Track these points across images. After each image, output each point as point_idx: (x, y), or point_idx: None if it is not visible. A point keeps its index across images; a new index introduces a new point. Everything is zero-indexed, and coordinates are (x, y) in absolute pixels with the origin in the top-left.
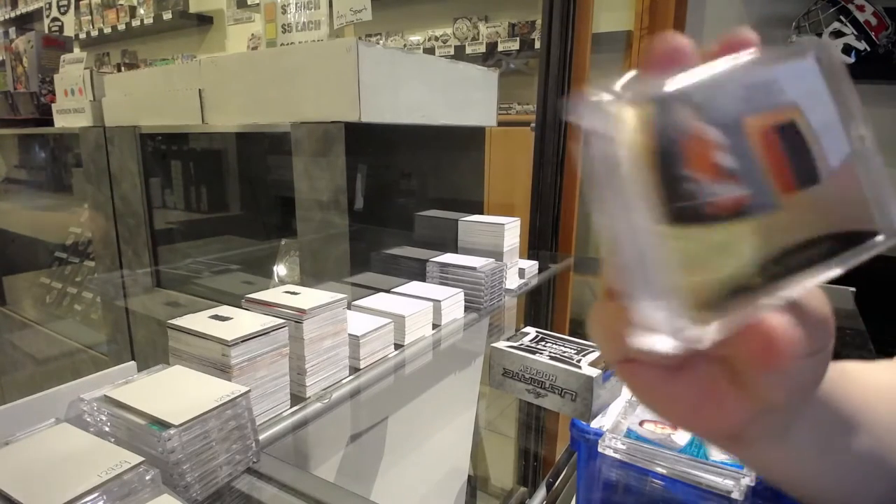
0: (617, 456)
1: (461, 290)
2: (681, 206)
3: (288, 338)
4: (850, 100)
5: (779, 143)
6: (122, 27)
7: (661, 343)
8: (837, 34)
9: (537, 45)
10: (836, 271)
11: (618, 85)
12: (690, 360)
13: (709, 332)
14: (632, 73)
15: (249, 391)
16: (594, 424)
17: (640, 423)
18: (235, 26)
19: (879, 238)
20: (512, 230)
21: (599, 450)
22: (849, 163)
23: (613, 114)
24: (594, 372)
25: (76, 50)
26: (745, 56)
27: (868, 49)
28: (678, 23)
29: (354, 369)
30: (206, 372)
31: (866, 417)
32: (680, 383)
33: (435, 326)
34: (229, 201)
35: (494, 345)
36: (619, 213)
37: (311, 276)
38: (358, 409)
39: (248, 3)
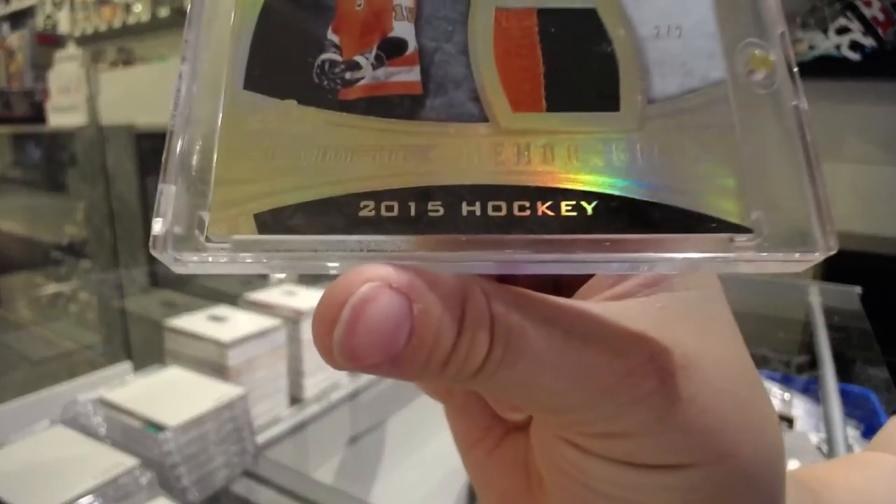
0: None
1: None
2: (295, 75)
3: (286, 339)
4: (753, 4)
5: (532, 35)
6: (117, 24)
7: (162, 245)
8: (843, 30)
9: None
10: (609, 265)
11: None
12: (512, 435)
13: (241, 253)
14: None
15: (247, 393)
16: None
17: None
18: None
19: (741, 239)
20: None
21: None
22: (715, 100)
23: None
24: None
25: (71, 47)
26: None
27: (875, 45)
28: None
29: None
30: (202, 373)
31: None
32: (493, 459)
33: None
34: None
35: None
36: (201, 55)
37: (309, 275)
38: (357, 410)
39: None
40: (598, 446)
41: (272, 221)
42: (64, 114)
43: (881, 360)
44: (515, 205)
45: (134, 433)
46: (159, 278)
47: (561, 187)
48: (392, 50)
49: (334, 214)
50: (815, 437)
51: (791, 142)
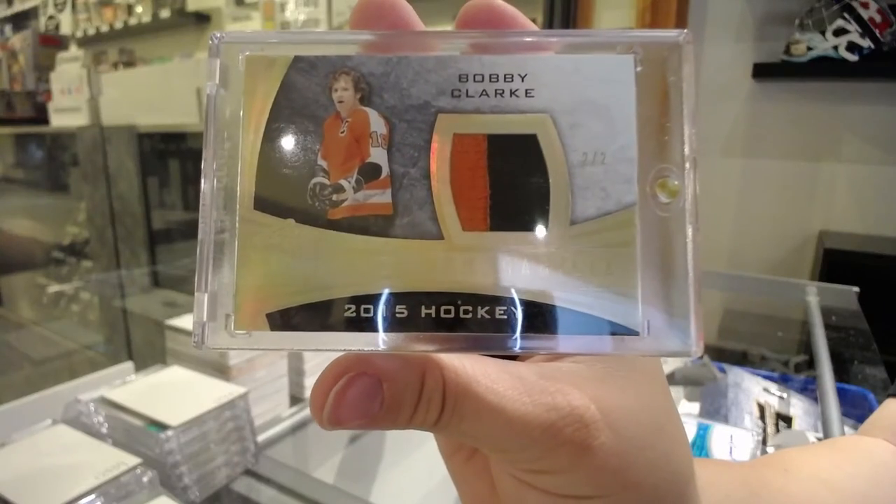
0: None
1: None
2: (293, 197)
3: None
4: (673, 133)
5: (482, 159)
6: (119, 25)
7: (196, 337)
8: (841, 31)
9: None
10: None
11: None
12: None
13: (255, 341)
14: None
15: (248, 392)
16: None
17: None
18: (234, 25)
19: (629, 338)
20: None
21: None
22: (624, 223)
23: (222, 60)
24: None
25: (73, 48)
26: (500, 37)
27: (872, 47)
28: (680, 20)
29: None
30: (204, 373)
31: None
32: (469, 466)
33: None
34: None
35: None
36: (218, 180)
37: None
38: None
39: (247, 1)
40: (530, 478)
41: (279, 320)
42: (66, 114)
43: (879, 360)
44: (461, 309)
45: (135, 432)
46: (160, 278)
47: (496, 295)
48: (369, 174)
49: (325, 315)
50: (812, 436)
51: (682, 262)
